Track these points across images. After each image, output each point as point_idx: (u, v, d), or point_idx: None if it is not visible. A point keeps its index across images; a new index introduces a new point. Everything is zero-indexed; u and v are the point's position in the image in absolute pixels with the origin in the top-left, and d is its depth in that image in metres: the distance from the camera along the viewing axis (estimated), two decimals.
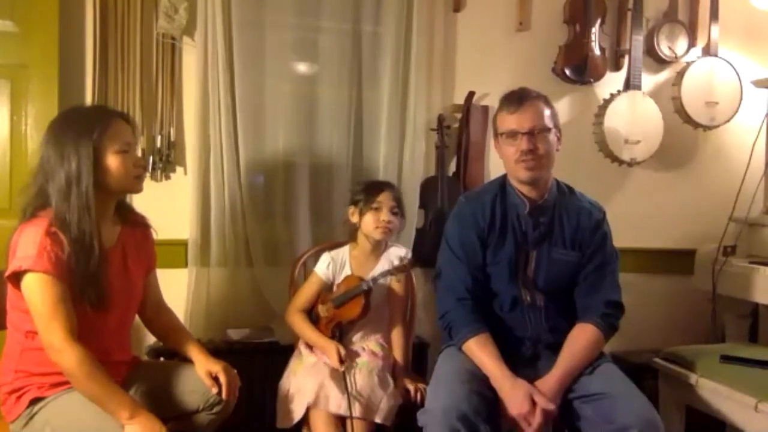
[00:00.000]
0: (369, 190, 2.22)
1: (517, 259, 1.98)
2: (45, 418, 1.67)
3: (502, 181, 2.07)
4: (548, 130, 1.94)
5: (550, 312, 1.99)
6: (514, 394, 1.80)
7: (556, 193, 2.03)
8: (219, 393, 1.80)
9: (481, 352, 1.89)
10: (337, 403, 1.94)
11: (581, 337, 1.92)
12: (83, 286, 1.66)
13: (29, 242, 1.63)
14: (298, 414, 1.97)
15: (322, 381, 1.97)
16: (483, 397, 1.79)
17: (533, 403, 1.79)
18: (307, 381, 2.00)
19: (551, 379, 1.85)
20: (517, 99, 1.96)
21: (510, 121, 1.94)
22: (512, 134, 1.94)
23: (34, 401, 1.68)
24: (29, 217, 1.69)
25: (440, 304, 2.02)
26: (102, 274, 1.70)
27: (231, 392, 1.82)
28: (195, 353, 1.89)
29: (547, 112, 1.96)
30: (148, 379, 1.85)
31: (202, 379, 1.81)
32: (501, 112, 1.99)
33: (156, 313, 1.98)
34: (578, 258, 1.99)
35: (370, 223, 2.17)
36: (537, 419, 1.77)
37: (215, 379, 1.81)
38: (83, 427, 1.65)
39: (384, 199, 2.18)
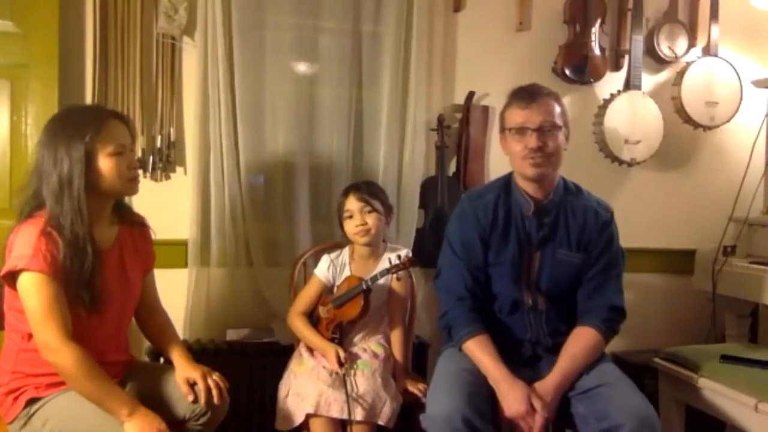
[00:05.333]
0: (339, 200, 2.23)
1: (520, 260, 1.95)
2: (44, 418, 1.67)
3: (507, 179, 2.03)
4: (558, 127, 1.90)
5: (551, 315, 1.97)
6: (512, 396, 1.79)
7: (563, 192, 1.99)
8: (196, 400, 1.74)
9: (480, 352, 1.88)
10: (339, 408, 1.93)
11: (582, 341, 1.90)
12: (77, 288, 1.66)
13: (25, 242, 1.63)
14: (297, 419, 1.96)
15: (322, 387, 1.96)
16: (484, 397, 1.79)
17: (532, 404, 1.78)
18: (307, 386, 1.99)
19: (549, 383, 1.84)
20: (528, 94, 1.92)
21: (520, 116, 1.90)
22: (521, 130, 1.90)
23: (31, 401, 1.68)
24: (25, 217, 1.69)
25: (441, 304, 2.02)
26: (97, 276, 1.69)
27: (210, 399, 1.73)
28: (176, 358, 1.84)
29: (557, 109, 1.92)
30: (141, 382, 1.82)
31: (180, 386, 1.76)
32: (510, 106, 1.95)
33: (149, 314, 1.96)
34: (583, 260, 1.96)
35: (349, 232, 2.18)
36: (537, 423, 1.76)
37: (194, 386, 1.75)
38: (83, 426, 1.65)
39: (351, 205, 2.17)
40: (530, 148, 1.88)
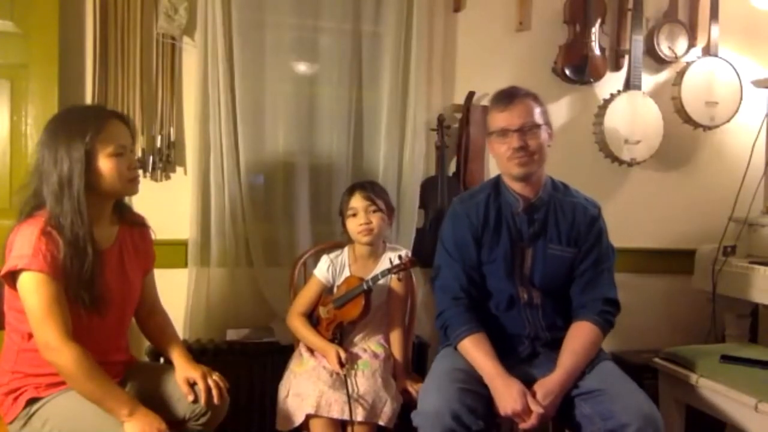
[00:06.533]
0: (343, 198, 2.23)
1: (512, 256, 1.99)
2: (44, 418, 1.67)
3: (496, 180, 2.08)
4: (538, 126, 1.95)
5: (547, 310, 2.00)
6: (507, 393, 1.79)
7: (551, 190, 2.04)
8: (196, 400, 1.74)
9: (475, 350, 1.89)
10: (339, 408, 1.93)
11: (581, 336, 1.92)
12: (77, 288, 1.66)
13: (25, 241, 1.63)
14: (297, 419, 1.96)
15: (322, 388, 1.96)
16: (478, 395, 1.79)
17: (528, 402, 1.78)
18: (307, 387, 1.99)
19: (553, 380, 1.84)
20: (506, 97, 1.98)
21: (500, 119, 1.96)
22: (503, 132, 1.95)
23: (31, 401, 1.68)
24: (25, 217, 1.69)
25: (437, 304, 2.04)
26: (97, 276, 1.69)
27: (210, 399, 1.74)
28: (176, 358, 1.84)
29: (537, 109, 1.97)
30: (141, 382, 1.83)
31: (180, 386, 1.76)
32: (492, 111, 2.02)
33: (149, 314, 1.96)
34: (574, 254, 2.00)
35: (353, 230, 2.18)
36: (531, 420, 1.77)
37: (194, 386, 1.75)
38: (83, 426, 1.65)
39: (356, 203, 2.17)
40: (513, 148, 1.93)
